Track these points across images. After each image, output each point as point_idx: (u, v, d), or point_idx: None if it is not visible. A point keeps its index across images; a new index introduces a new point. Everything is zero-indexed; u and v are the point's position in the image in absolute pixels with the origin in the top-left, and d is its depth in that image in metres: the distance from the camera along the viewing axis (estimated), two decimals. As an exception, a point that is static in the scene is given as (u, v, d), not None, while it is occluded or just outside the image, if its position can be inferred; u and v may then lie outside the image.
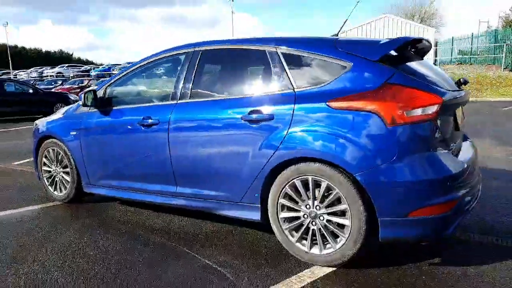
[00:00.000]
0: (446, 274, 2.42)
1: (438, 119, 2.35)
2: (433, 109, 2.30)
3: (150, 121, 3.18)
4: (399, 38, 2.54)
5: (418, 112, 2.29)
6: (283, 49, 2.73)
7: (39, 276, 2.49)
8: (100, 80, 25.85)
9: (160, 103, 3.28)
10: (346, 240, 2.42)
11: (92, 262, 2.67)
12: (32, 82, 28.12)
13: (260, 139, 2.65)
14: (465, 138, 3.15)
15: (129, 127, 3.34)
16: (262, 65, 2.87)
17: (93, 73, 35.20)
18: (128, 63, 32.14)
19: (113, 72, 34.47)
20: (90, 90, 3.56)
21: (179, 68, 3.23)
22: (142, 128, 3.23)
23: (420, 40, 2.71)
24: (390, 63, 2.45)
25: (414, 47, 2.82)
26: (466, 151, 2.84)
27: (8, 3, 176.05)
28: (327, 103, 2.45)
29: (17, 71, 43.30)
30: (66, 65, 41.32)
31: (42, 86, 26.05)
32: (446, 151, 2.44)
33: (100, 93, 3.59)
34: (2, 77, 28.04)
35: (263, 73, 2.87)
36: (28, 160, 6.01)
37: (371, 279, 2.38)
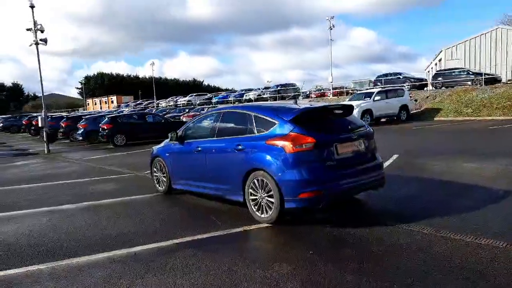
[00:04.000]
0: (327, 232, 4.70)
1: (315, 149, 4.70)
2: (310, 145, 4.69)
3: (199, 149, 6.13)
4: (301, 108, 5.00)
5: (302, 146, 4.70)
6: (254, 113, 5.39)
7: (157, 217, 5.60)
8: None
9: (203, 139, 6.21)
10: (273, 209, 4.91)
11: (175, 212, 5.69)
12: (166, 110, 34.99)
13: (241, 158, 5.31)
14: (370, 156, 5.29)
15: (191, 152, 6.34)
16: (244, 121, 5.54)
17: (213, 100, 41.38)
18: (251, 89, 36.86)
19: (230, 99, 39.96)
20: (173, 132, 6.73)
21: (212, 120, 6.14)
22: (195, 152, 6.20)
23: (323, 108, 5.10)
24: (298, 120, 4.89)
25: (330, 109, 5.20)
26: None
27: (158, 40, 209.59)
28: (265, 141, 5.02)
29: (159, 101, 53.06)
30: (195, 94, 49.02)
31: (174, 114, 32.35)
32: (318, 164, 4.73)
33: (179, 133, 6.72)
34: (145, 111, 35.37)
35: (244, 125, 5.54)
36: (149, 170, 9.67)
37: (285, 229, 4.81)
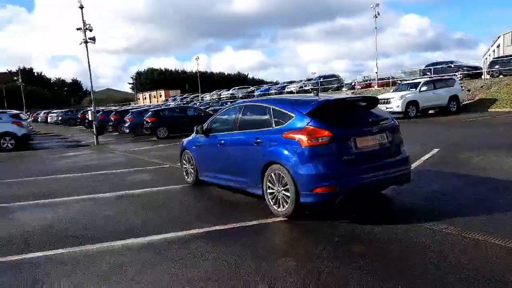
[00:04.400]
0: (344, 230, 4.59)
1: (331, 143, 4.58)
2: (326, 139, 4.58)
3: (222, 142, 6.21)
4: (319, 101, 4.88)
5: (318, 140, 4.60)
6: (273, 106, 5.35)
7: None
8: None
9: (226, 132, 6.27)
10: (289, 203, 4.86)
11: (197, 203, 5.84)
12: (209, 103, 35.71)
13: (259, 151, 5.31)
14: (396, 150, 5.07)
15: (215, 144, 6.43)
16: (263, 114, 5.52)
17: (256, 93, 41.54)
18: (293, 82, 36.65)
19: (271, 92, 39.90)
20: (200, 125, 6.87)
21: (235, 114, 6.18)
22: (219, 145, 6.28)
23: (342, 100, 4.95)
24: (315, 114, 4.79)
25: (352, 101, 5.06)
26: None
27: (205, 36, 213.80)
28: (282, 135, 4.97)
29: (203, 94, 54.26)
30: (237, 87, 49.51)
31: (217, 107, 32.92)
32: (335, 159, 4.60)
33: (205, 126, 6.84)
34: (189, 104, 36.37)
35: (263, 118, 5.51)
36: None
37: (300, 224, 4.76)
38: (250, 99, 6.01)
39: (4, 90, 64.44)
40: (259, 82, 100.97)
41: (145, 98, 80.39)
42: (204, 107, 29.52)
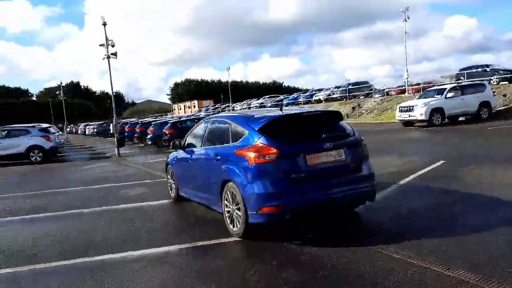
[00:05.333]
0: (286, 247, 4.37)
1: (278, 160, 4.39)
2: (273, 156, 4.39)
3: (192, 157, 6.16)
4: (270, 116, 4.71)
5: (265, 158, 4.42)
6: (231, 122, 5.24)
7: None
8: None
9: (196, 148, 6.22)
10: (241, 223, 4.71)
11: (165, 220, 5.83)
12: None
13: (218, 168, 5.19)
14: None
15: (187, 160, 6.40)
16: (224, 130, 5.40)
17: (284, 102, 41.33)
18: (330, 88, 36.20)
19: (299, 100, 39.58)
20: (176, 141, 6.87)
21: (203, 129, 6.13)
22: (190, 161, 6.24)
23: (296, 115, 4.75)
24: (265, 130, 4.62)
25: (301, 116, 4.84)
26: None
27: (242, 45, 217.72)
28: (235, 151, 4.84)
29: (234, 104, 54.83)
30: (268, 96, 49.53)
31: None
32: (282, 177, 4.39)
33: (183, 141, 6.84)
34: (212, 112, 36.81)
35: (223, 135, 5.40)
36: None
37: (250, 244, 4.59)
38: (217, 115, 5.98)
39: (51, 104, 68.57)
40: (294, 90, 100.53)
41: (180, 109, 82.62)
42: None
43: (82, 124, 55.92)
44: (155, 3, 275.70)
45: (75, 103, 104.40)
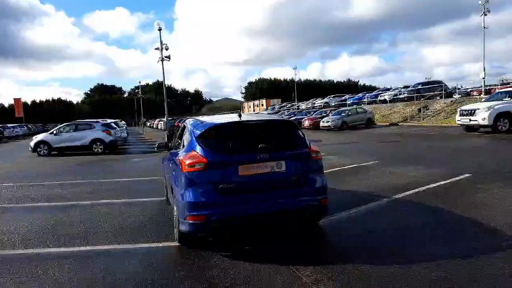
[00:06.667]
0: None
1: (207, 170, 4.29)
2: (201, 165, 4.31)
3: (167, 159, 6.29)
4: (206, 124, 4.61)
5: (195, 166, 4.35)
6: (189, 126, 5.24)
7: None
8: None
9: (173, 150, 6.34)
10: (176, 229, 4.71)
11: (123, 223, 6.07)
12: (295, 113, 35.54)
13: (172, 171, 5.25)
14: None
15: (166, 160, 6.55)
16: (185, 135, 5.41)
17: (348, 101, 39.87)
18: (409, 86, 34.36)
19: (364, 100, 37.88)
20: (164, 144, 7.07)
21: (179, 132, 6.20)
22: (166, 162, 6.38)
23: (234, 124, 4.60)
24: (202, 138, 4.55)
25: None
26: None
27: (320, 43, 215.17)
28: (177, 157, 4.84)
29: (299, 103, 54.38)
30: (333, 95, 48.19)
31: (299, 116, 32.68)
32: (209, 187, 4.27)
33: (169, 144, 7.01)
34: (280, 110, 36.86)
35: (184, 139, 5.40)
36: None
37: (187, 251, 4.57)
38: (189, 118, 6.05)
39: (135, 100, 74.91)
40: (370, 89, 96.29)
41: (249, 107, 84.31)
42: (287, 117, 29.64)
43: (157, 120, 60.12)
44: (234, 5, 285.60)
45: (157, 100, 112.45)
